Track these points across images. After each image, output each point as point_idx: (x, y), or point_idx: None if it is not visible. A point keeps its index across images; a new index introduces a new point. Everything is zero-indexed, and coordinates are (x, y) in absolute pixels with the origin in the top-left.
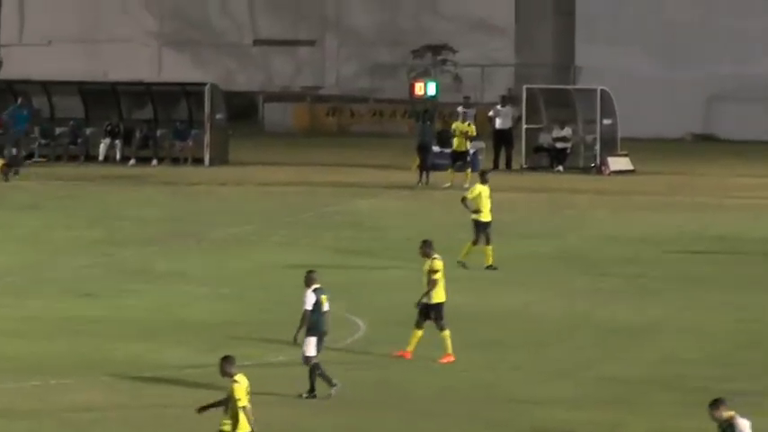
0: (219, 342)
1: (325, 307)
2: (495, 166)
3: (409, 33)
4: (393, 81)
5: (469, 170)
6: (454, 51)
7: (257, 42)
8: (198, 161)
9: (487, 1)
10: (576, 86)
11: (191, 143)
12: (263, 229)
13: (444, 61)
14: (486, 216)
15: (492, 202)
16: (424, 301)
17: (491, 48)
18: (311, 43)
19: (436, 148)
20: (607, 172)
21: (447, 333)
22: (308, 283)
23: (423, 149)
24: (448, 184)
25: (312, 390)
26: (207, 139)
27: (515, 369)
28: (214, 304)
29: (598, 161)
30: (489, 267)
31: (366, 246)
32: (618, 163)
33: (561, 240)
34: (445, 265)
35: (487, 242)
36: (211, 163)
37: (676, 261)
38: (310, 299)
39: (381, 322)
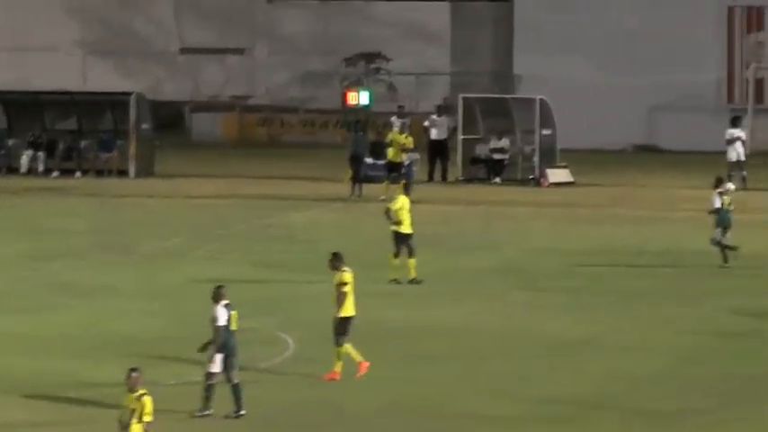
0: (148, 359)
1: (234, 324)
2: (431, 178)
3: (342, 41)
4: (325, 90)
5: (404, 182)
6: (388, 59)
7: (184, 50)
8: (123, 173)
9: (422, 8)
10: (514, 96)
11: (116, 154)
12: (193, 243)
13: (378, 70)
14: (407, 228)
15: (413, 215)
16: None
17: (426, 56)
18: (240, 51)
19: (369, 160)
20: (546, 184)
21: (348, 347)
22: (216, 299)
23: (355, 161)
24: (383, 197)
25: (239, 408)
26: (132, 150)
27: (453, 385)
28: (143, 320)
29: (537, 173)
30: (413, 281)
31: (298, 259)
32: (557, 175)
33: (499, 254)
34: (356, 278)
35: (410, 254)
36: (137, 175)
37: (617, 275)
38: (222, 314)
39: (312, 338)
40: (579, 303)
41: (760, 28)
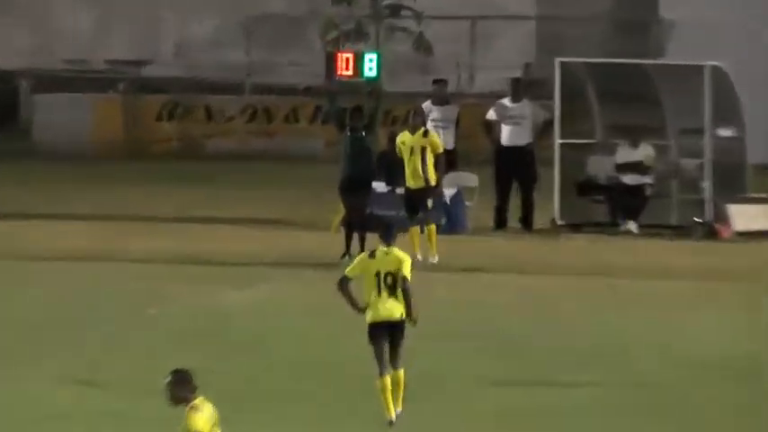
0: None
1: None
2: (501, 222)
3: None
4: (293, 51)
5: (433, 226)
6: None
7: None
8: None
9: None
10: (661, 61)
11: None
12: (38, 349)
13: (396, 11)
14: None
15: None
16: None
17: None
18: None
19: (380, 186)
20: (727, 233)
21: None
22: None
23: (352, 188)
24: (418, 258)
25: None
26: None
27: None
28: None
29: (709, 212)
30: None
31: (235, 380)
32: (749, 216)
33: (628, 367)
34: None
35: (396, 362)
36: None
37: None
38: None
39: None
40: None
41: None
